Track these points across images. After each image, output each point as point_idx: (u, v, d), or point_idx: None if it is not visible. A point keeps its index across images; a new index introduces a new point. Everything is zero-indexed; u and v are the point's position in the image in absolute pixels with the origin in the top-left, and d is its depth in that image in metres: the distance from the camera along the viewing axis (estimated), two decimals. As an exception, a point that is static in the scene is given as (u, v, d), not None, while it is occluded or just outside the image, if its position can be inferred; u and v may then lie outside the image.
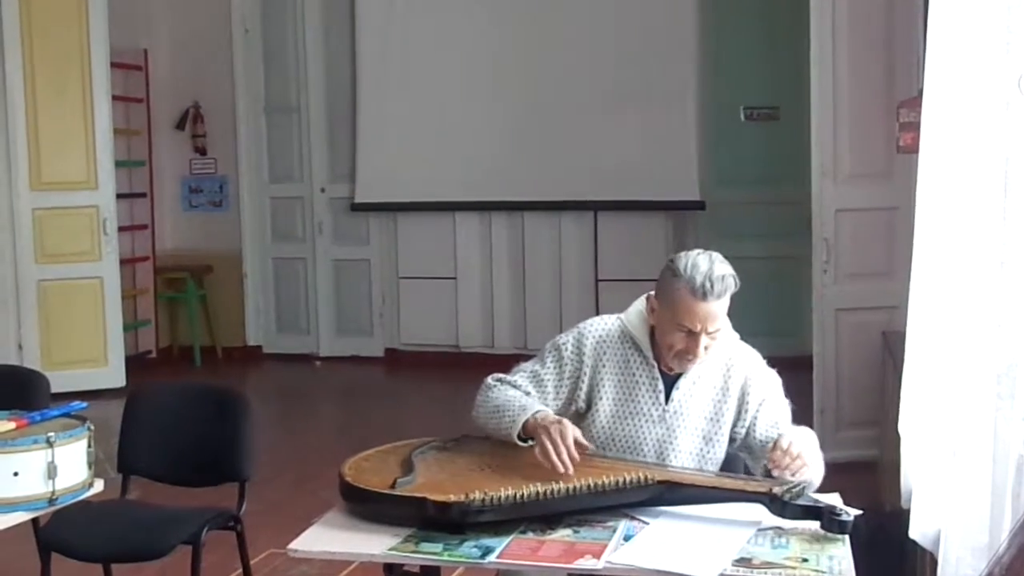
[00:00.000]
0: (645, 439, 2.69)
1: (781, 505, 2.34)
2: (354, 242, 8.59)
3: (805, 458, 2.45)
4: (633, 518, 2.40)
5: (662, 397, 2.70)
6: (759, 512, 2.38)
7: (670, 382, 2.71)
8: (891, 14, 5.29)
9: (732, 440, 2.73)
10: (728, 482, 2.49)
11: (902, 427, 3.09)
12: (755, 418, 2.69)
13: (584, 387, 2.73)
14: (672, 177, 7.70)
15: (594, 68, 7.80)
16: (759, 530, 2.34)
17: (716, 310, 2.58)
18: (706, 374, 2.72)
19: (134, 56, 8.32)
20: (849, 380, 5.40)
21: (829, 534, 2.28)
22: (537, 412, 2.59)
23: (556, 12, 7.89)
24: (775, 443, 2.49)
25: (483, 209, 8.19)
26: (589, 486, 2.39)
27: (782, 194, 7.48)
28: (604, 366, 2.73)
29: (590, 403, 2.74)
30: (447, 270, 8.36)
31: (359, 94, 8.35)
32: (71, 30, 7.24)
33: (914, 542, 2.81)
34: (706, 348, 2.62)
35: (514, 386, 2.73)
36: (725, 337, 2.69)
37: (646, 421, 2.70)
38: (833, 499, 2.45)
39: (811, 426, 5.55)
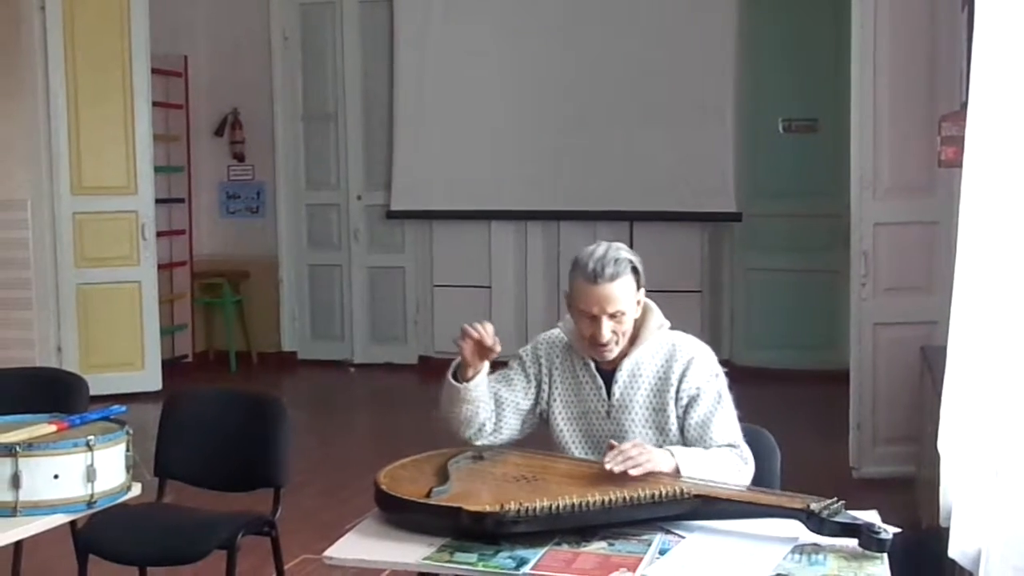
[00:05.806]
0: (600, 437, 2.77)
1: (818, 522, 2.31)
2: (389, 250, 8.62)
3: (639, 460, 2.49)
4: (669, 532, 2.39)
5: (603, 393, 2.78)
6: (796, 528, 2.36)
7: (608, 377, 2.78)
8: (934, 26, 5.24)
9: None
10: (765, 497, 2.47)
11: (942, 444, 3.05)
12: (685, 412, 2.73)
13: (546, 389, 2.84)
14: (709, 188, 7.66)
15: (632, 78, 7.79)
16: (796, 546, 2.32)
17: (612, 292, 2.68)
18: (645, 364, 2.77)
19: (174, 63, 8.41)
20: (886, 395, 5.35)
21: (867, 552, 2.26)
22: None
23: (594, 22, 7.88)
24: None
25: (519, 218, 8.20)
26: (624, 499, 2.37)
27: (820, 207, 7.44)
28: (556, 370, 2.85)
29: (549, 406, 2.84)
30: (482, 278, 8.36)
31: (396, 102, 8.38)
32: (113, 37, 7.32)
33: (953, 561, 2.77)
34: (614, 332, 2.71)
35: None
36: (631, 319, 2.73)
37: (596, 418, 2.79)
38: (871, 516, 2.42)
39: (847, 442, 5.53)
